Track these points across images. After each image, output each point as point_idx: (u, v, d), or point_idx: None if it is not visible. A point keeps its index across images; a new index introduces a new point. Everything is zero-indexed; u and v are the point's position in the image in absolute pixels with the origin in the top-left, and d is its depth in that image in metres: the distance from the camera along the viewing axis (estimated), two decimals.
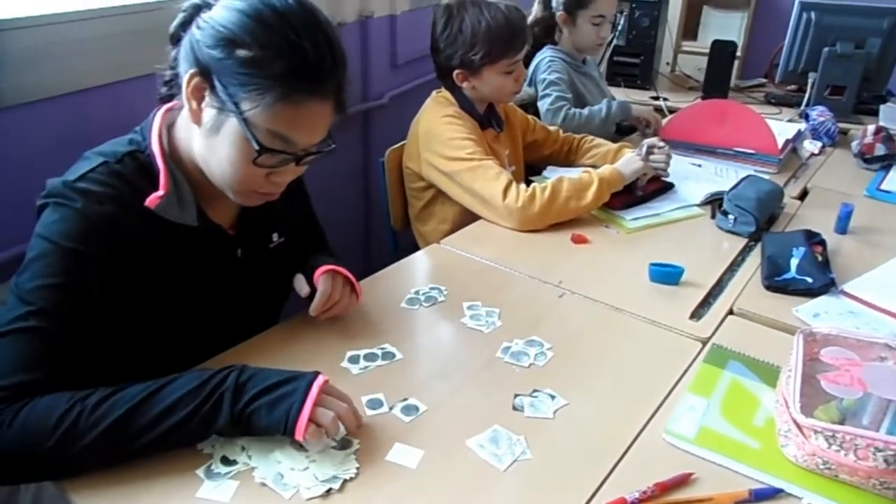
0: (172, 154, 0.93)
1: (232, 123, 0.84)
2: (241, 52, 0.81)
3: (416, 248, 1.56)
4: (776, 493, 0.79)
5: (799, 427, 0.81)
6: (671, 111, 2.55)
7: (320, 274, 1.05)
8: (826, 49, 2.43)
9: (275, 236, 1.10)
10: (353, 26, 2.06)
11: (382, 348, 1.03)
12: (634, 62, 2.84)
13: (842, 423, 0.82)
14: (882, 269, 1.35)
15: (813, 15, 2.48)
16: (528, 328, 1.10)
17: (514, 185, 1.47)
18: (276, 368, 0.84)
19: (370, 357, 1.01)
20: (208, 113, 0.86)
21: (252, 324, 1.07)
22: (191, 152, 0.92)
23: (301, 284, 1.07)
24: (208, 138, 0.87)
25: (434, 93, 1.66)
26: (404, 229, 1.81)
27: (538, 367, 1.01)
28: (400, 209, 1.78)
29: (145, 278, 0.90)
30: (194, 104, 0.86)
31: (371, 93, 2.22)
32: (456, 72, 1.56)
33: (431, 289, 1.21)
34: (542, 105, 2.03)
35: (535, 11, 2.21)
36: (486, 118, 1.65)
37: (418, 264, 1.34)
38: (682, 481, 0.80)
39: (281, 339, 1.05)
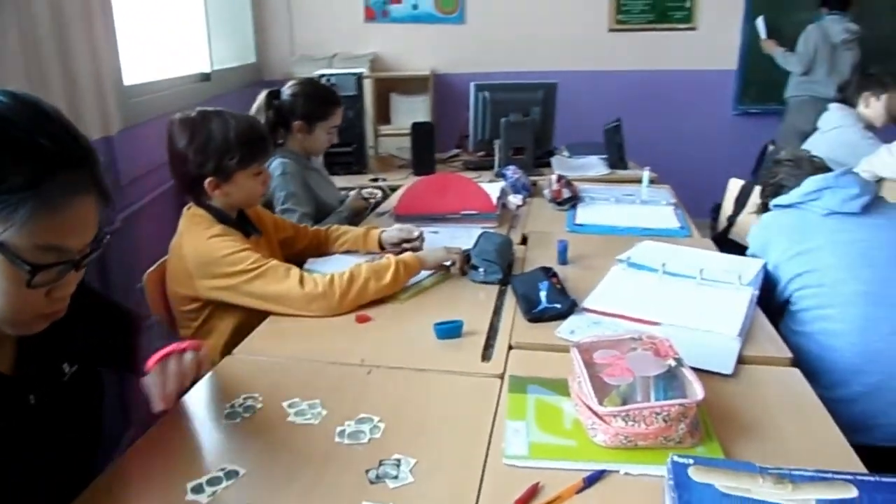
0: None
1: None
2: None
3: None
4: (601, 474, 0.97)
5: (601, 417, 1.01)
6: (392, 189, 2.83)
7: (151, 367, 1.00)
8: (503, 119, 2.92)
9: (66, 367, 1.00)
10: None
11: (223, 469, 1.02)
12: (348, 151, 3.08)
13: (625, 404, 1.04)
14: (602, 285, 1.68)
15: (487, 94, 2.97)
16: (352, 408, 1.17)
17: (307, 275, 1.55)
18: None
19: (214, 481, 0.99)
20: None
21: (70, 473, 0.97)
22: None
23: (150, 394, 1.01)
24: None
25: (185, 210, 1.66)
26: None
27: (377, 440, 1.08)
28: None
29: None
30: None
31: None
32: (208, 180, 1.59)
33: (246, 398, 1.22)
34: (286, 218, 2.12)
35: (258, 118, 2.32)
36: (242, 225, 1.70)
37: (221, 380, 1.32)
38: (533, 492, 0.94)
39: (110, 496, 0.97)
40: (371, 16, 4.35)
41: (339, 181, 2.82)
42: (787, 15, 4.40)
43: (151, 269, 1.69)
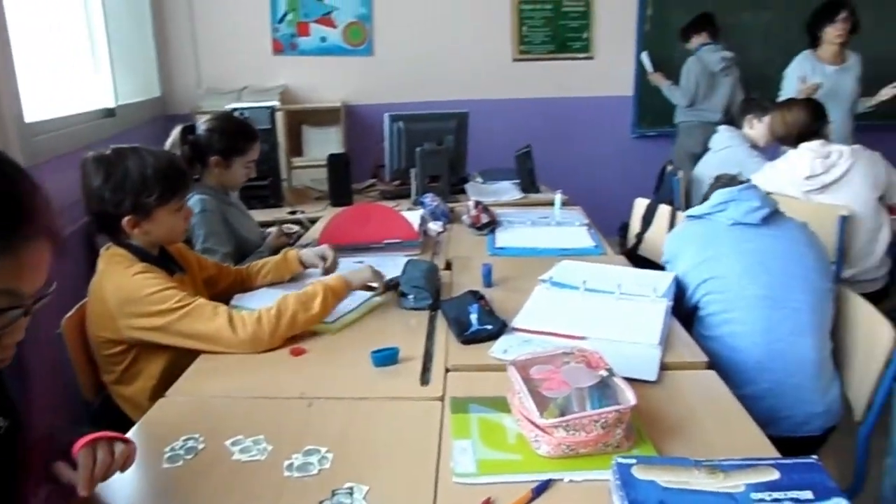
0: None
1: None
2: None
3: (114, 415, 1.52)
4: (548, 483, 1.02)
5: (543, 429, 1.06)
6: (312, 221, 2.84)
7: (79, 450, 0.96)
8: (418, 149, 2.99)
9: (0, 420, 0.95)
10: None
11: None
12: (264, 184, 3.06)
13: (563, 415, 1.10)
14: (528, 305, 1.76)
15: (401, 124, 3.04)
16: (298, 441, 1.17)
17: (235, 313, 1.53)
18: None
19: None
20: None
21: None
22: None
23: (69, 476, 0.96)
24: None
25: (103, 251, 1.61)
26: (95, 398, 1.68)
27: (327, 470, 1.09)
28: (90, 377, 1.66)
29: None
30: None
31: None
32: (126, 218, 1.55)
33: (186, 440, 1.19)
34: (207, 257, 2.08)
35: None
36: (165, 263, 1.66)
37: (157, 423, 1.29)
38: None
39: None
40: (279, 48, 4.35)
41: (257, 215, 2.79)
42: (673, 45, 4.73)
43: (69, 313, 1.62)
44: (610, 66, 4.75)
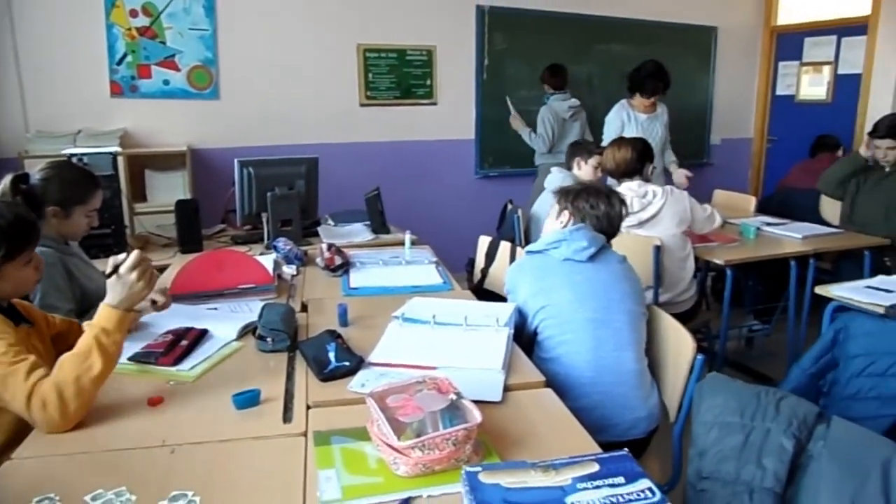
0: None
1: None
2: None
3: None
4: (408, 501, 1.12)
5: (400, 451, 1.17)
6: (160, 269, 2.76)
7: None
8: (269, 193, 3.03)
9: None
10: None
11: None
12: (107, 232, 2.94)
13: (419, 437, 1.21)
14: (383, 340, 1.86)
15: (251, 169, 3.06)
16: (163, 488, 1.19)
17: (36, 393, 1.38)
18: None
19: None
20: None
21: None
22: None
23: None
24: None
25: None
26: None
27: None
28: None
29: None
30: None
31: None
32: None
33: (40, 500, 1.17)
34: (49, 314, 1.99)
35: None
36: (11, 314, 1.59)
37: (4, 488, 1.24)
38: None
39: None
40: (118, 91, 4.20)
41: (100, 265, 2.67)
42: (507, 93, 5.15)
43: None
44: (452, 111, 5.06)
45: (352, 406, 1.48)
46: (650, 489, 0.94)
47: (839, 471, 1.16)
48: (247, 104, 4.47)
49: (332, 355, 1.69)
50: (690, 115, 5.92)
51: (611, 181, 3.28)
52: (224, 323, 2.02)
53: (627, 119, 4.22)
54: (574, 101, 4.74)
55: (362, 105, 4.80)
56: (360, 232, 3.34)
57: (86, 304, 2.17)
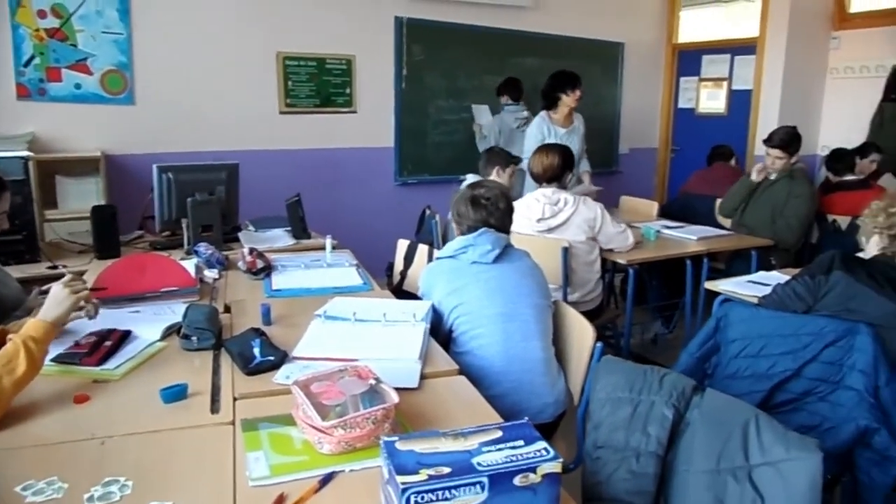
0: None
1: None
2: None
3: None
4: (332, 475, 1.22)
5: (324, 431, 1.27)
6: (79, 274, 2.74)
7: None
8: (189, 199, 3.04)
9: None
10: None
11: None
12: (18, 239, 2.88)
13: (341, 417, 1.31)
14: (306, 336, 1.95)
15: (170, 175, 3.07)
16: (95, 475, 1.24)
17: None
18: None
19: None
20: None
21: None
22: None
23: None
24: None
25: None
26: None
27: (129, 496, 1.18)
28: None
29: None
30: None
31: None
32: None
33: None
34: None
35: None
36: None
37: None
38: (281, 501, 1.15)
39: None
40: (25, 93, 4.07)
41: (13, 272, 2.63)
42: (426, 102, 5.30)
43: None
44: (372, 119, 5.16)
45: (277, 397, 1.57)
46: (545, 449, 1.08)
47: (709, 433, 1.34)
48: (164, 110, 4.43)
49: (256, 351, 1.77)
50: (601, 125, 6.25)
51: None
52: (147, 324, 2.05)
53: (548, 132, 4.43)
54: (524, 113, 4.99)
55: (282, 113, 4.84)
56: (280, 237, 3.39)
57: (1, 310, 2.14)
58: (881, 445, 1.82)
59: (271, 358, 1.75)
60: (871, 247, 2.12)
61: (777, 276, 2.68)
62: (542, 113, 4.49)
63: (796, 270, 2.44)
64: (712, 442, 1.33)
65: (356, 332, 1.98)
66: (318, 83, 4.94)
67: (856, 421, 1.84)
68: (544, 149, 3.47)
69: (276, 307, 2.18)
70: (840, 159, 4.52)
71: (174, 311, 2.17)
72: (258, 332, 1.87)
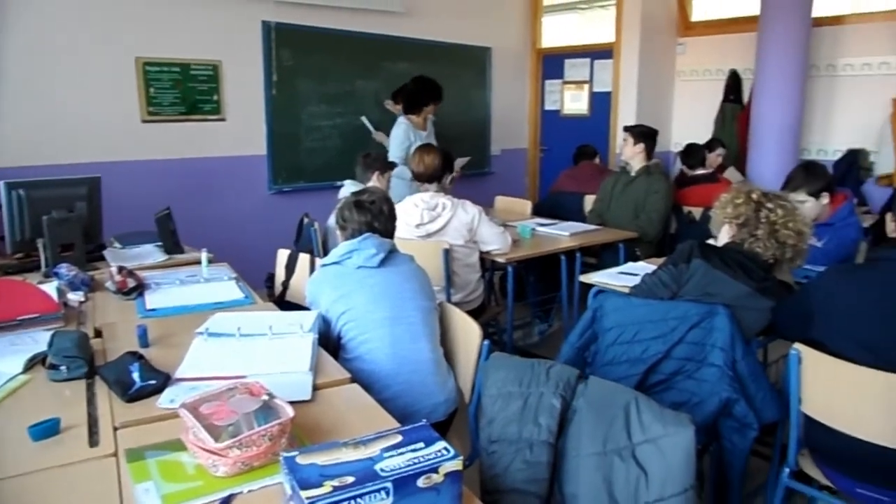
0: None
1: None
2: None
3: None
4: (230, 497, 1.19)
5: (218, 453, 1.23)
6: None
7: None
8: (45, 217, 2.82)
9: None
10: None
11: None
12: None
13: (235, 437, 1.28)
14: (189, 356, 1.87)
15: (22, 192, 2.83)
16: None
17: None
18: None
19: None
20: None
21: None
22: None
23: None
24: None
25: None
26: None
27: None
28: None
29: None
30: None
31: None
32: None
33: None
34: None
35: None
36: None
37: None
38: None
39: None
40: None
41: None
42: (299, 108, 5.21)
43: None
44: (242, 127, 5.00)
45: (163, 422, 1.49)
46: (446, 448, 1.11)
47: (594, 418, 1.43)
48: (12, 121, 4.06)
49: (136, 375, 1.67)
50: (472, 128, 6.42)
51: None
52: (6, 357, 1.89)
53: (413, 136, 4.53)
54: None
55: (144, 121, 4.57)
56: (151, 253, 3.22)
57: None
58: (740, 414, 2.01)
59: (153, 382, 1.66)
60: (723, 235, 2.32)
61: (644, 267, 2.87)
62: (404, 117, 4.65)
63: (660, 260, 2.63)
64: (598, 426, 1.41)
65: (242, 348, 1.92)
66: (183, 90, 4.72)
67: (719, 394, 2.01)
68: (424, 148, 3.52)
69: (152, 328, 2.07)
70: (693, 154, 4.91)
71: (36, 340, 2.00)
72: (136, 356, 1.77)
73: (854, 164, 5.48)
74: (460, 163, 4.69)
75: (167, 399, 1.61)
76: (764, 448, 2.42)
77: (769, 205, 2.22)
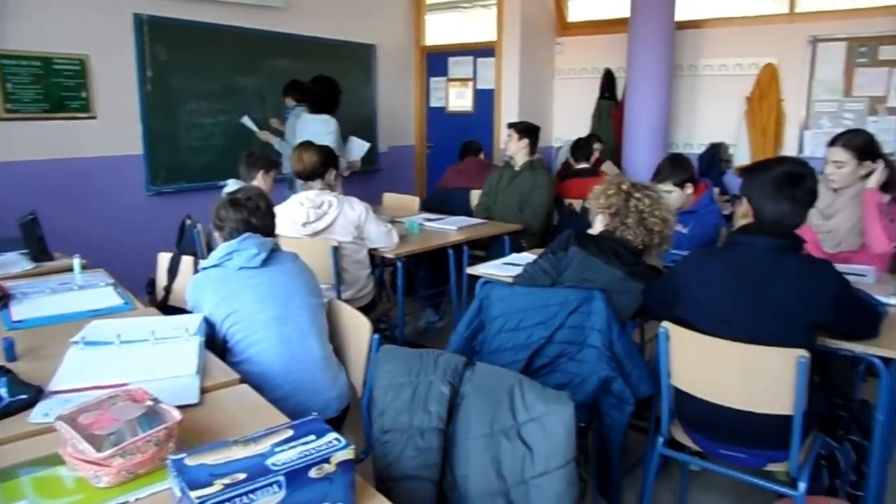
0: None
1: None
2: None
3: None
4: None
5: (100, 463, 1.19)
6: None
7: None
8: None
9: None
10: None
11: None
12: None
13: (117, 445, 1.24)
14: (63, 367, 1.77)
15: None
16: None
17: None
18: None
19: None
20: None
21: None
22: None
23: None
24: None
25: None
26: None
27: None
28: None
29: None
30: None
31: None
32: None
33: None
34: None
35: None
36: None
37: None
38: None
39: None
40: None
41: None
42: (177, 105, 5.01)
43: None
44: (115, 125, 4.74)
45: (36, 437, 1.42)
46: (337, 439, 1.13)
47: (481, 402, 1.49)
48: None
49: (3, 391, 1.57)
50: (359, 125, 6.38)
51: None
52: None
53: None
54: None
55: (2, 119, 4.24)
56: (15, 261, 3.00)
57: None
58: (618, 390, 2.15)
59: (23, 396, 1.57)
60: (598, 224, 2.47)
61: (527, 257, 2.99)
62: (330, 116, 4.57)
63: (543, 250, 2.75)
64: (485, 409, 1.48)
65: (123, 355, 1.84)
66: (46, 86, 4.41)
67: (598, 373, 2.14)
68: (302, 146, 3.50)
69: (20, 340, 1.95)
70: (581, 147, 5.15)
71: None
72: (2, 370, 1.66)
73: (716, 157, 5.95)
74: (360, 149, 4.68)
75: (40, 413, 1.52)
76: (641, 422, 2.59)
77: (637, 195, 2.38)
